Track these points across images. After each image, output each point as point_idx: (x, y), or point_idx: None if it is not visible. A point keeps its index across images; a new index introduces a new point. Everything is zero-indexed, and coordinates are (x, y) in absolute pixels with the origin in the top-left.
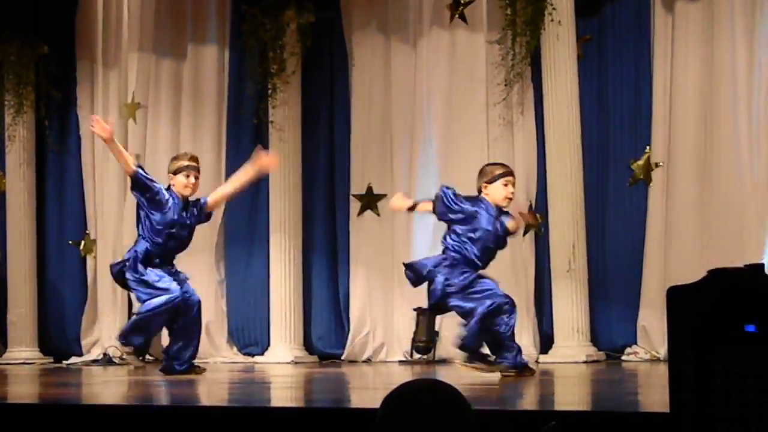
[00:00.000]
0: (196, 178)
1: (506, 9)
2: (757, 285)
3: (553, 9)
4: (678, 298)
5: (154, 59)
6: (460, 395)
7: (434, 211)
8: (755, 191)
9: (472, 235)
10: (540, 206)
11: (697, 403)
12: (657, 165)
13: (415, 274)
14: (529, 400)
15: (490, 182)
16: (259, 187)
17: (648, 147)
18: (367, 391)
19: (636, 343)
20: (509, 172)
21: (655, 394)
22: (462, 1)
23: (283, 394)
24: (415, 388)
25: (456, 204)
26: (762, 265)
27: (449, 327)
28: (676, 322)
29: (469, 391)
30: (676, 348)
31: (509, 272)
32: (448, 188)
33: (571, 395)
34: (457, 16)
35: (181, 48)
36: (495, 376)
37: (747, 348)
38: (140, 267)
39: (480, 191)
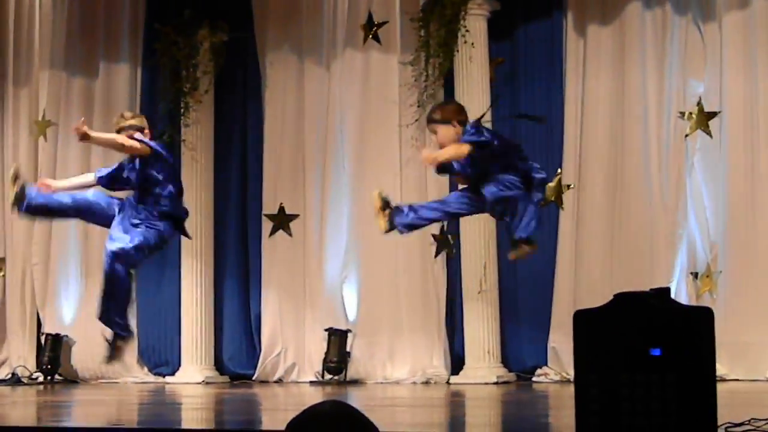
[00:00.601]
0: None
1: (420, 30)
2: (662, 308)
3: (467, 31)
4: (584, 321)
5: (65, 77)
6: (366, 419)
7: (481, 146)
8: (665, 214)
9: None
10: (452, 227)
11: (604, 425)
12: (568, 187)
13: None
14: (438, 422)
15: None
16: None
17: (559, 169)
18: (278, 412)
19: (546, 365)
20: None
21: (565, 416)
22: (376, 22)
23: (194, 415)
24: (321, 412)
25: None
26: (668, 289)
27: (360, 348)
28: (583, 345)
29: (379, 411)
30: (582, 371)
31: (420, 293)
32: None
33: (482, 417)
34: (370, 36)
35: (93, 66)
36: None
37: (652, 372)
38: None
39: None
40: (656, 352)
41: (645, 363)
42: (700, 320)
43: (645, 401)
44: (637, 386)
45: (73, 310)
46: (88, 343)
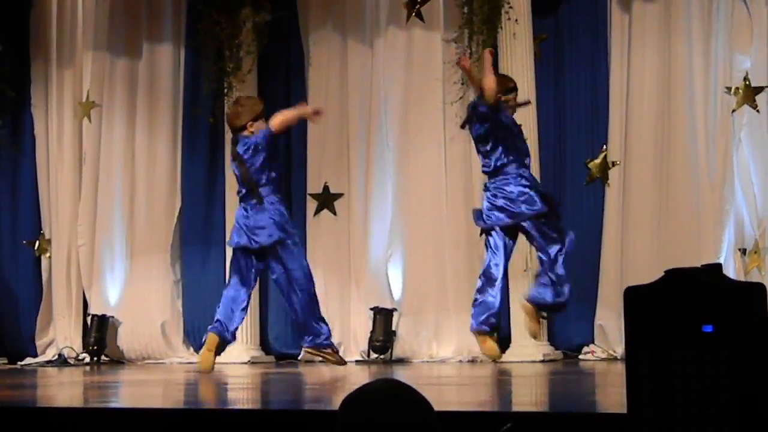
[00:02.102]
0: None
1: (463, 7)
2: (714, 285)
3: (510, 8)
4: (635, 298)
5: (108, 58)
6: (421, 396)
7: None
8: (712, 190)
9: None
10: None
11: (655, 404)
12: (614, 164)
13: None
14: (487, 401)
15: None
16: (214, 187)
17: (605, 146)
18: (324, 392)
19: (593, 342)
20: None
21: (612, 395)
22: (418, 0)
23: (240, 395)
24: (375, 389)
25: None
26: (719, 265)
27: (406, 326)
28: (633, 322)
29: (426, 390)
30: (633, 349)
31: (466, 271)
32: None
33: (529, 396)
34: (413, 14)
35: (136, 47)
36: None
37: (704, 348)
38: None
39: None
40: (708, 328)
41: (697, 340)
42: (753, 296)
43: (697, 378)
44: (689, 363)
45: (119, 290)
46: (133, 324)
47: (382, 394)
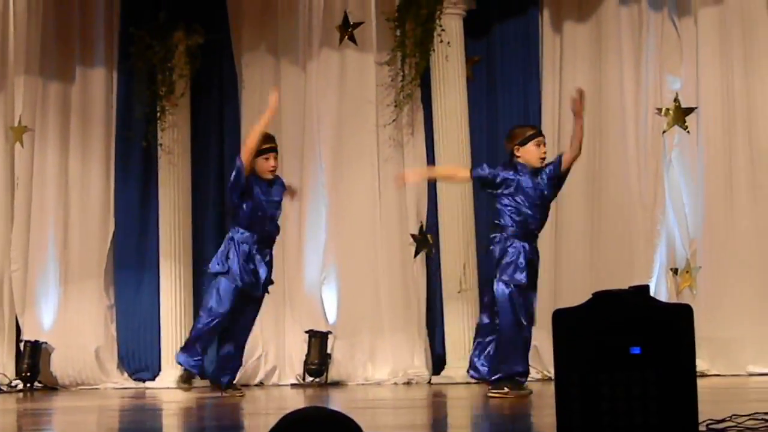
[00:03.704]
0: (276, 159)
1: (396, 30)
2: (641, 307)
3: (443, 30)
4: (563, 321)
5: (41, 82)
6: (349, 421)
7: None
8: (643, 211)
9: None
10: (431, 227)
11: (585, 426)
12: None
13: None
14: (421, 423)
15: (522, 144)
16: (148, 210)
17: None
18: (260, 416)
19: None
20: (540, 132)
21: (546, 416)
22: (351, 22)
23: (174, 421)
24: (300, 418)
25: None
26: (647, 287)
27: (341, 349)
28: (562, 345)
29: (362, 413)
30: (562, 371)
31: (400, 293)
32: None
33: (463, 418)
34: (346, 37)
35: (69, 71)
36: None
37: (632, 371)
38: None
39: (513, 155)
40: (636, 350)
41: (625, 362)
42: (679, 317)
43: (625, 400)
44: (618, 385)
45: (53, 316)
46: (67, 350)
47: (311, 422)
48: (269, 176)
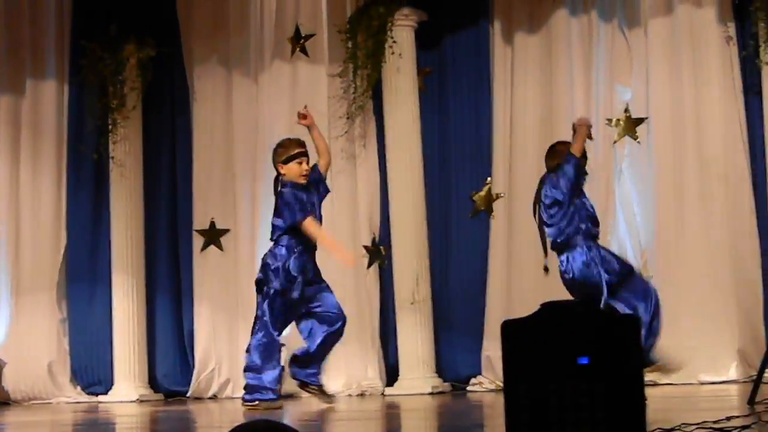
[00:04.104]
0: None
1: (347, 42)
2: (588, 317)
3: (394, 42)
4: (512, 331)
5: None
6: None
7: None
8: None
9: None
10: (383, 238)
11: None
12: (498, 196)
13: None
14: None
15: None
16: (100, 223)
17: (489, 178)
18: (213, 430)
19: (481, 374)
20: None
21: (499, 426)
22: (303, 34)
23: None
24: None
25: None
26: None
27: None
28: (511, 355)
29: (312, 427)
30: (511, 382)
31: (353, 304)
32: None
33: (418, 428)
34: (298, 49)
35: (19, 83)
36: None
37: (580, 381)
38: None
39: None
40: (584, 360)
41: (573, 372)
42: (627, 327)
43: (574, 410)
44: (566, 396)
45: (4, 330)
46: (19, 364)
47: None
48: (303, 180)
